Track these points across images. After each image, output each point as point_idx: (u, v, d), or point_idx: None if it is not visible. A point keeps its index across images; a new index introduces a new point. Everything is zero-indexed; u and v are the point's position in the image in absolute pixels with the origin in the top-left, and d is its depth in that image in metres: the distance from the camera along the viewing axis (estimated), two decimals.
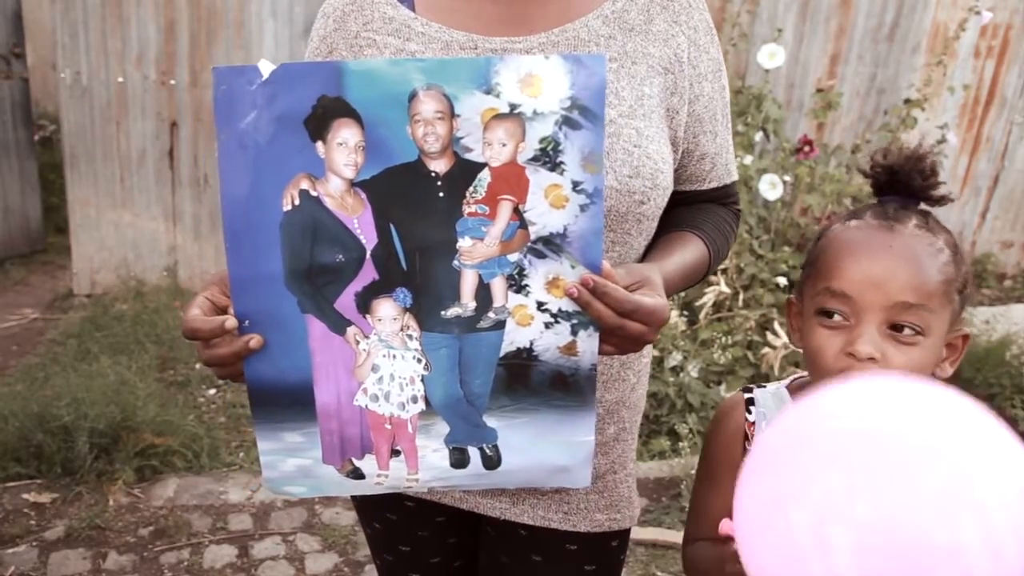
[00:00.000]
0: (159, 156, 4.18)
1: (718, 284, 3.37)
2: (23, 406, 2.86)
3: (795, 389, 1.12)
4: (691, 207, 1.17)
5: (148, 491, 2.80)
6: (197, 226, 4.28)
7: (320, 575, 2.52)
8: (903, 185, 1.01)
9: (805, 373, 1.17)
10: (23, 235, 4.81)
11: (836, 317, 0.97)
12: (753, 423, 1.10)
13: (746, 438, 1.09)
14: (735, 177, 1.22)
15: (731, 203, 1.23)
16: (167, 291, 4.14)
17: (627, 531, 1.26)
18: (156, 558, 2.53)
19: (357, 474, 1.01)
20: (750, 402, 1.11)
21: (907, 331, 0.94)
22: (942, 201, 1.01)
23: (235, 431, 3.20)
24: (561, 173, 0.88)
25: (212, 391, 3.46)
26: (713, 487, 1.12)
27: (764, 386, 1.15)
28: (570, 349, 0.93)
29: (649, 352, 1.25)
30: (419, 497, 1.22)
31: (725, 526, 0.83)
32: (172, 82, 4.09)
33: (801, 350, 1.06)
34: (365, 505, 1.32)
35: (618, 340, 0.93)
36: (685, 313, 3.50)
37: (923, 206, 1.02)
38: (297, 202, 0.90)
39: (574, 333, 0.93)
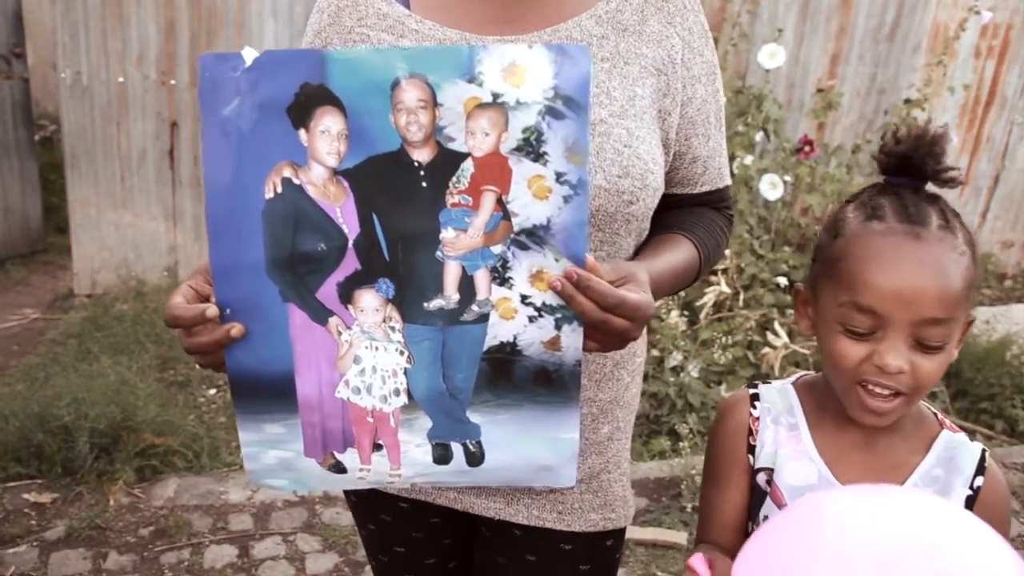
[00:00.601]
0: (159, 156, 4.19)
1: (718, 284, 3.37)
2: (23, 406, 2.86)
3: (802, 387, 1.11)
4: (683, 210, 1.17)
5: (148, 491, 2.80)
6: (197, 226, 4.28)
7: (320, 575, 2.52)
8: (916, 169, 1.00)
9: (809, 372, 1.17)
10: (23, 235, 4.82)
11: (861, 328, 0.97)
12: (758, 419, 1.09)
13: (750, 433, 1.09)
14: (728, 181, 1.21)
15: (724, 207, 1.22)
16: (167, 291, 4.13)
17: (622, 530, 1.25)
18: (156, 558, 2.53)
19: (339, 468, 1.00)
20: (755, 398, 1.11)
21: (933, 342, 0.95)
22: (951, 183, 1.00)
23: (235, 431, 3.19)
24: (544, 164, 0.88)
25: (212, 391, 3.47)
26: (719, 484, 1.11)
27: (770, 382, 1.14)
28: (554, 344, 0.92)
29: (643, 351, 1.25)
30: (413, 498, 1.21)
31: (697, 564, 0.84)
32: (172, 82, 4.09)
33: (802, 343, 1.06)
34: (360, 506, 1.32)
35: (602, 336, 0.91)
36: (685, 313, 3.49)
37: (931, 186, 1.01)
38: (279, 190, 0.89)
39: (558, 328, 0.92)
